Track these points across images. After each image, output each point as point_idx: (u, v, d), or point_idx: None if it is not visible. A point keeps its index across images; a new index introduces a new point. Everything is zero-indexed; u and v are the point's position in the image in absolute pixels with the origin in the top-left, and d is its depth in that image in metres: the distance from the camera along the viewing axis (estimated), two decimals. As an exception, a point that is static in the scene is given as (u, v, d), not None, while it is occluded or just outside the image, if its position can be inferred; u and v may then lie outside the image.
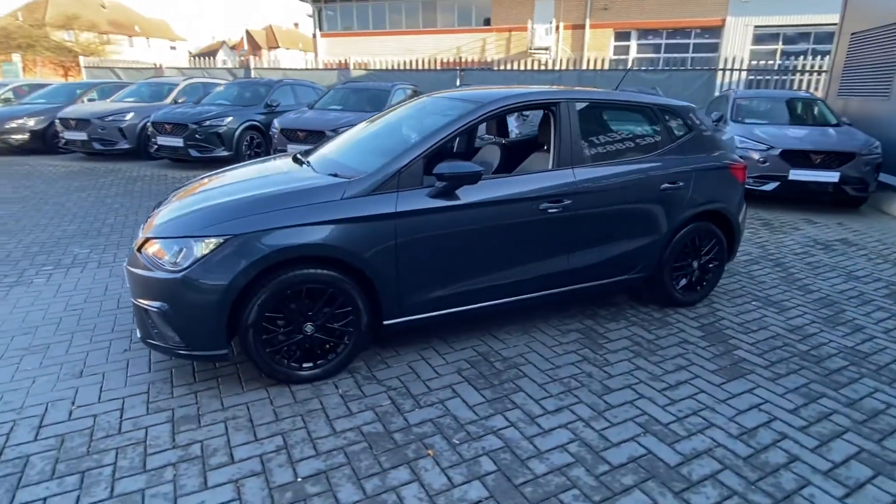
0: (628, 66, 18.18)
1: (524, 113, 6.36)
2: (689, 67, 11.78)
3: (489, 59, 22.86)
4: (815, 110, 8.06)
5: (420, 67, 13.81)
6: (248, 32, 54.73)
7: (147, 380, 2.78)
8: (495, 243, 3.00)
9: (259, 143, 9.50)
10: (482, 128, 4.64)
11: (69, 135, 9.76)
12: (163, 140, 9.03)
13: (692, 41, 21.63)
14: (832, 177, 6.58)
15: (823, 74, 10.89)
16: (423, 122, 3.24)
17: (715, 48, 20.95)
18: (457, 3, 24.38)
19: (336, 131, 7.93)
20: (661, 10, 21.40)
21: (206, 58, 17.61)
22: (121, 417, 2.46)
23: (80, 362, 2.94)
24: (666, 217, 3.49)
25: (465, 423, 2.46)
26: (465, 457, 2.24)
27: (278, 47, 56.55)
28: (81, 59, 16.88)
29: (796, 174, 6.69)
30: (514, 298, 3.17)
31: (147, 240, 2.64)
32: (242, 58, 19.66)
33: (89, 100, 11.25)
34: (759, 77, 11.74)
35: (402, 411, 2.54)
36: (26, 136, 10.27)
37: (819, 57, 12.25)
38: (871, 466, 2.23)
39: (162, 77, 12.91)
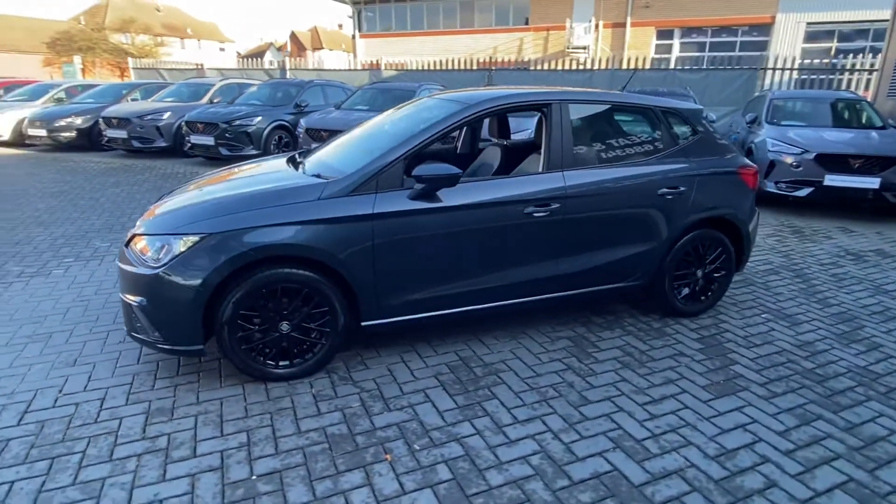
0: (671, 66, 17.65)
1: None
2: (727, 66, 11.29)
3: (526, 59, 22.65)
4: (860, 112, 7.59)
5: (450, 67, 13.80)
6: (293, 34, 56.14)
7: (133, 371, 2.87)
8: (478, 247, 2.95)
9: (287, 143, 9.71)
10: (485, 130, 4.57)
11: (111, 133, 10.25)
12: (195, 139, 9.36)
13: (739, 39, 20.75)
14: (872, 183, 6.17)
15: (875, 74, 10.24)
16: (413, 123, 3.22)
17: (763, 46, 20.02)
18: (494, 3, 24.23)
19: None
20: (707, 8, 20.62)
21: (254, 59, 18.23)
22: (101, 407, 2.55)
23: (76, 352, 3.07)
24: (666, 223, 3.34)
25: (431, 429, 2.42)
26: (423, 463, 2.20)
27: (322, 48, 57.75)
28: (130, 61, 17.75)
29: (832, 179, 6.30)
30: (499, 304, 3.11)
31: (134, 236, 2.73)
32: (279, 59, 20.19)
33: (132, 99, 11.79)
34: (811, 77, 11.15)
35: (370, 414, 2.54)
36: (74, 133, 10.85)
37: (871, 55, 11.52)
38: (858, 498, 2.06)
39: (200, 78, 13.39)
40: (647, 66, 13.20)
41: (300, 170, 3.17)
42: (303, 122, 8.98)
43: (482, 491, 2.06)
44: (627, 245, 3.30)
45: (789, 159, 6.52)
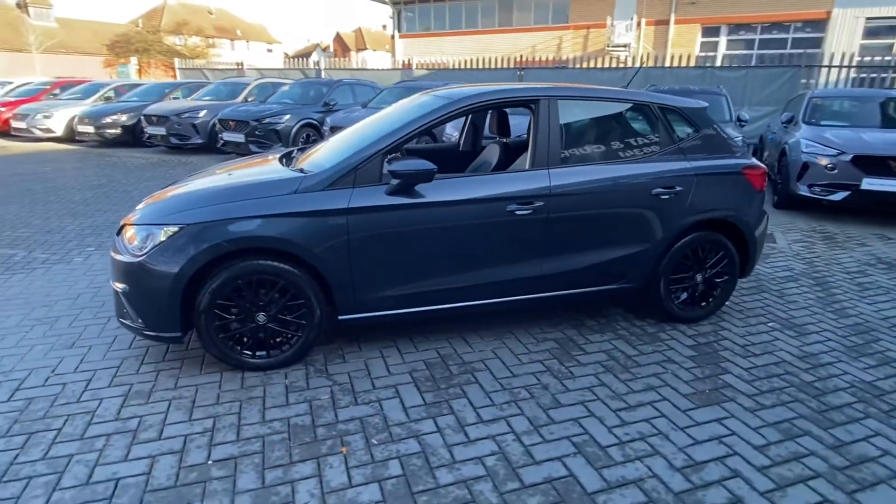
0: (717, 63, 16.97)
1: None
2: (769, 64, 10.76)
3: (565, 58, 22.31)
4: (910, 111, 7.08)
5: (480, 66, 13.74)
6: (338, 35, 57.25)
7: (123, 356, 2.99)
8: (458, 244, 2.92)
9: (315, 140, 9.91)
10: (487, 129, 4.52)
11: (151, 129, 10.74)
12: (227, 136, 9.69)
13: (791, 36, 19.75)
14: (915, 187, 5.75)
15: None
16: (399, 119, 3.21)
17: (818, 43, 18.97)
18: (534, 2, 23.98)
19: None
20: (757, 4, 19.72)
21: (301, 59, 18.76)
22: (85, 388, 2.67)
23: (76, 335, 3.23)
24: (660, 224, 3.22)
25: (393, 425, 2.42)
26: (377, 458, 2.20)
27: (366, 49, 58.67)
28: (176, 61, 18.55)
29: (871, 183, 5.91)
30: (480, 302, 3.07)
31: (124, 225, 2.85)
32: (319, 60, 20.66)
33: (174, 98, 12.31)
34: (871, 75, 10.49)
35: (336, 406, 2.55)
36: (119, 130, 11.43)
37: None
38: (829, 520, 1.93)
39: (238, 77, 13.85)
40: (693, 63, 12.75)
41: (290, 165, 3.22)
42: (328, 119, 9.15)
43: (429, 489, 2.04)
44: (618, 246, 3.19)
45: (824, 161, 6.15)
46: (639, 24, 21.65)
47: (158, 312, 2.65)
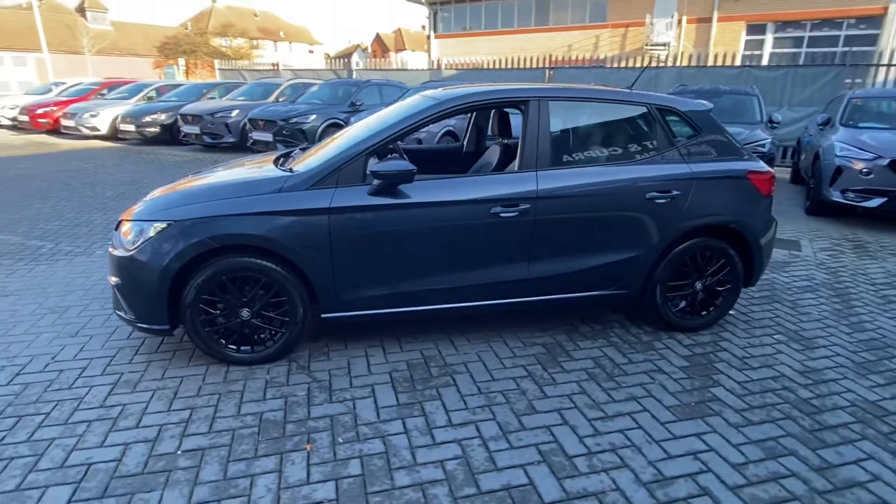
0: (763, 63, 16.31)
1: None
2: (810, 63, 10.25)
3: (601, 57, 21.87)
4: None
5: (509, 66, 13.64)
6: (378, 35, 57.95)
7: (120, 346, 3.12)
8: (441, 245, 2.90)
9: (340, 140, 10.06)
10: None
11: (186, 128, 11.15)
12: (257, 135, 9.96)
13: (843, 33, 18.75)
14: (959, 195, 5.37)
15: None
16: (388, 119, 3.22)
17: (872, 41, 17.95)
18: (571, 1, 23.62)
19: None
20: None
21: (342, 60, 19.16)
22: (79, 375, 2.80)
23: (82, 325, 3.39)
24: (656, 229, 3.11)
25: (361, 424, 2.43)
26: (339, 457, 2.22)
27: (405, 49, 59.18)
28: (216, 62, 19.19)
29: (910, 189, 5.55)
30: (465, 305, 3.05)
31: (121, 221, 2.97)
32: (359, 60, 21.00)
33: (210, 98, 12.73)
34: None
35: (311, 403, 2.58)
36: (157, 128, 11.91)
37: None
38: (798, 546, 1.82)
39: (272, 78, 14.21)
40: (730, 62, 12.27)
41: (287, 165, 3.27)
42: (352, 120, 9.26)
43: (383, 490, 2.04)
44: (610, 251, 3.11)
45: (859, 165, 5.82)
46: (679, 21, 21.03)
47: (147, 305, 2.75)
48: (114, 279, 2.83)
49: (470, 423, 2.44)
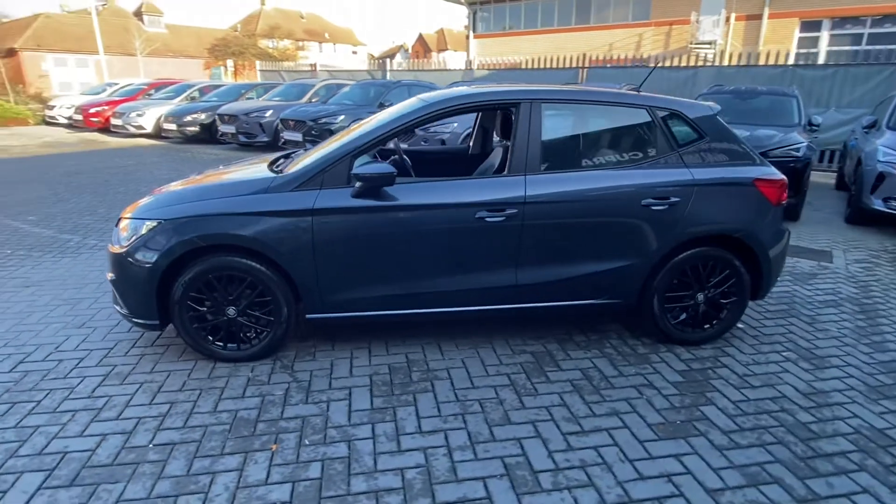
0: (819, 61, 15.44)
1: None
2: (861, 62, 9.63)
3: (644, 56, 21.26)
4: None
5: (542, 66, 13.44)
6: (420, 36, 58.32)
7: (119, 338, 3.24)
8: (425, 249, 2.87)
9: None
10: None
11: (223, 128, 11.52)
12: (287, 135, 10.18)
13: (907, 29, 17.55)
14: None
15: None
16: (378, 122, 3.21)
17: (942, 37, 16.74)
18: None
19: (426, 130, 8.18)
20: (867, -7, 17.72)
21: (385, 60, 19.42)
22: (75, 365, 2.92)
23: (89, 316, 3.54)
24: (653, 237, 2.98)
25: (331, 427, 2.43)
26: (302, 459, 2.22)
27: (447, 49, 59.33)
28: (257, 63, 19.76)
29: (960, 199, 5.13)
30: (452, 309, 3.01)
31: (121, 219, 3.08)
32: (402, 61, 21.17)
33: (248, 98, 13.12)
34: None
35: (287, 403, 2.60)
36: (197, 128, 12.37)
37: None
38: (763, 583, 1.70)
39: (308, 79, 14.51)
40: (790, 61, 11.64)
41: (284, 167, 3.32)
42: (379, 120, 9.34)
43: (338, 495, 2.03)
44: (603, 259, 3.00)
45: (903, 172, 5.42)
46: (727, 19, 20.20)
47: (139, 301, 2.84)
48: (110, 275, 2.94)
49: (439, 432, 2.41)
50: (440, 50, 59.56)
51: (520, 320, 3.45)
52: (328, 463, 2.20)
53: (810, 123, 6.87)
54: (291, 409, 2.56)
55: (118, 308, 3.00)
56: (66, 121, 15.73)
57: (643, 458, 2.26)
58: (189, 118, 12.36)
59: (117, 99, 15.13)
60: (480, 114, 4.19)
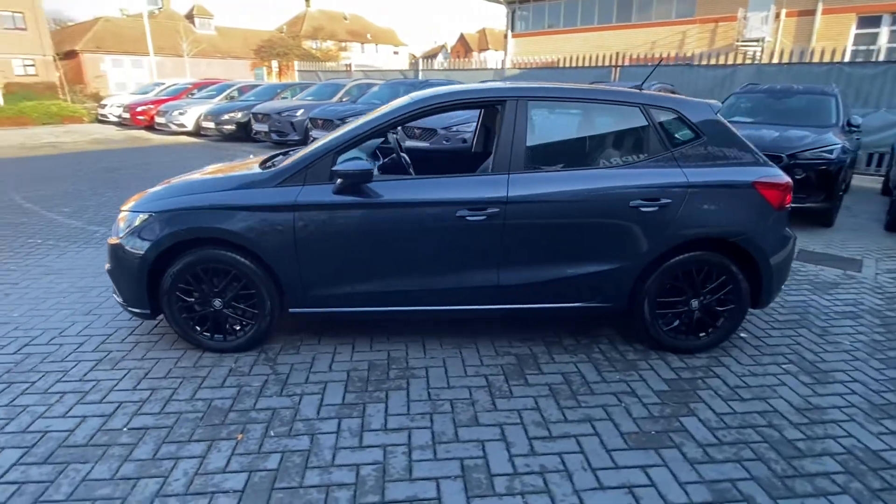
0: (880, 58, 14.55)
1: None
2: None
3: (688, 54, 20.58)
4: None
5: (574, 65, 13.21)
6: (461, 36, 58.37)
7: (120, 325, 3.38)
8: (406, 246, 2.87)
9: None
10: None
11: (257, 126, 11.87)
12: (315, 133, 10.38)
13: (978, 24, 16.30)
14: None
15: None
16: (365, 119, 3.22)
17: None
18: (655, -3, 22.45)
19: (448, 129, 8.17)
20: (933, -14, 16.58)
21: (420, 60, 19.66)
22: (74, 350, 3.07)
23: (97, 304, 3.71)
24: (643, 239, 2.88)
25: (299, 420, 2.46)
26: (264, 449, 2.26)
27: (488, 49, 59.16)
28: (296, 64, 20.25)
29: None
30: (434, 308, 2.99)
31: (121, 211, 3.21)
32: (439, 60, 21.30)
33: (283, 98, 13.46)
34: None
35: (262, 395, 2.65)
36: (233, 126, 12.79)
37: None
38: None
39: (342, 79, 14.77)
40: (847, 58, 11.02)
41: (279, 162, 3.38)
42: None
43: (290, 487, 2.05)
44: (588, 261, 2.91)
45: (947, 176, 5.03)
46: (777, 15, 19.29)
47: (131, 290, 2.96)
48: (107, 265, 3.07)
49: (404, 430, 2.40)
50: (481, 50, 59.42)
51: (507, 321, 3.40)
52: (287, 455, 2.23)
53: (849, 124, 6.48)
54: (265, 401, 2.60)
55: (116, 297, 3.13)
56: (116, 119, 16.57)
57: (607, 467, 2.18)
58: (226, 117, 12.79)
59: (162, 98, 15.81)
60: (483, 112, 4.15)
